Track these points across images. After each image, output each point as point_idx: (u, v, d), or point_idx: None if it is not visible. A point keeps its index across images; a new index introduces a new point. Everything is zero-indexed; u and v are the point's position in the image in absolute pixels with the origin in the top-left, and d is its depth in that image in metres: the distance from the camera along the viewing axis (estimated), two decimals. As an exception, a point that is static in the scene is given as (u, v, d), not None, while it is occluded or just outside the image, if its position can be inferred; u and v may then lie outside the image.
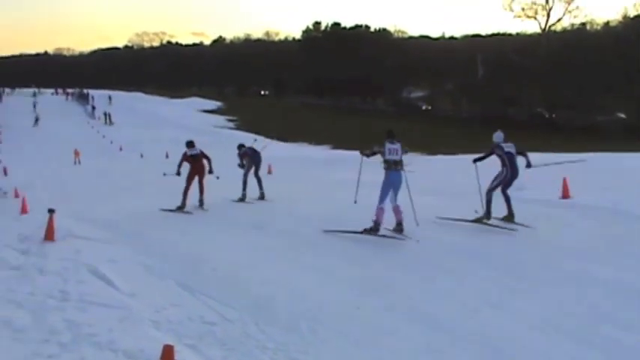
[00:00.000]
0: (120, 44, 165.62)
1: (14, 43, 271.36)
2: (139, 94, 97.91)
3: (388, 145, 12.89)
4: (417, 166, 25.63)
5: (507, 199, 13.55)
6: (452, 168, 28.30)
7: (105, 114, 73.16)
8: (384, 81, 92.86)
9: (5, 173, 38.67)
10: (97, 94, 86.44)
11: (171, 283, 9.34)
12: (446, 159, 36.51)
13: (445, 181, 22.94)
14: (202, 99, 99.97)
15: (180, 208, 17.51)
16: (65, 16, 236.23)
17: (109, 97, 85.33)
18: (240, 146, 20.26)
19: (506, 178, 13.50)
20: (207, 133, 65.49)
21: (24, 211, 18.80)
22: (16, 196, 25.48)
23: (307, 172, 29.30)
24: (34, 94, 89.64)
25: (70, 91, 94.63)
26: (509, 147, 13.68)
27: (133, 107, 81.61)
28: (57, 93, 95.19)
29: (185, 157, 18.74)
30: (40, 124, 66.46)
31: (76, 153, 47.86)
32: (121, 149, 53.24)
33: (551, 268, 9.93)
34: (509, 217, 13.38)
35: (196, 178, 18.05)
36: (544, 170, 18.82)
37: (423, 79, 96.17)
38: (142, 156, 45.32)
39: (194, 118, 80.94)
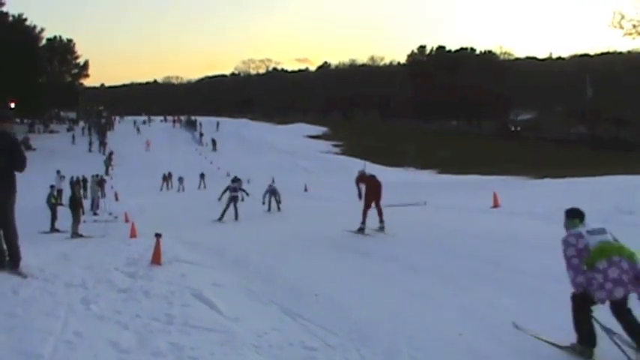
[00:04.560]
0: (227, 71, 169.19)
1: (125, 72, 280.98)
2: (246, 121, 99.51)
3: None
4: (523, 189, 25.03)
5: None
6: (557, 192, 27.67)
7: (212, 140, 74.64)
8: (490, 104, 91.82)
9: (117, 198, 39.82)
10: (205, 121, 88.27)
11: (274, 308, 9.36)
12: (553, 182, 35.65)
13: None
14: (307, 125, 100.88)
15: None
16: (173, 45, 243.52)
17: (217, 124, 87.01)
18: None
19: None
20: (314, 159, 66.07)
21: (133, 235, 19.28)
22: (126, 220, 26.21)
23: (412, 197, 29.02)
24: (144, 122, 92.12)
25: (177, 118, 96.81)
26: None
27: (239, 134, 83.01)
28: (166, 120, 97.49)
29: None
30: (151, 150, 68.32)
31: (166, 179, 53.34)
32: (228, 175, 54.12)
33: None
34: None
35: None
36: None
37: (531, 100, 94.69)
38: (248, 182, 45.93)
39: (300, 143, 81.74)
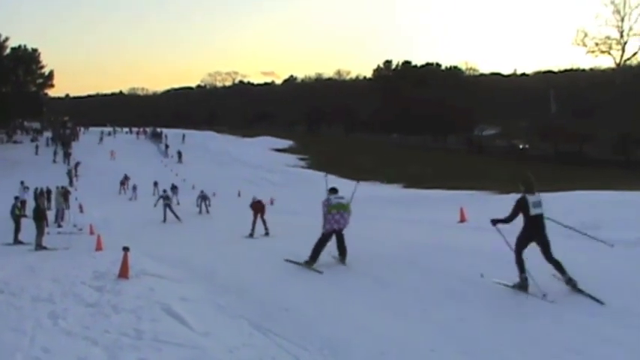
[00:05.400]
0: (193, 84, 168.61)
1: (90, 83, 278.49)
2: (212, 133, 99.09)
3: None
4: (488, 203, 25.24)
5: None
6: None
7: (177, 152, 74.28)
8: (455, 119, 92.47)
9: (81, 210, 39.37)
10: (171, 133, 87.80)
11: (244, 322, 9.28)
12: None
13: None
14: (273, 138, 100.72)
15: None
16: (139, 56, 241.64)
17: (183, 136, 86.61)
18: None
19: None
20: (279, 172, 65.96)
21: (99, 247, 19.09)
22: (91, 232, 25.93)
23: (380, 211, 29.09)
24: (109, 134, 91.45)
25: (142, 130, 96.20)
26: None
27: (205, 146, 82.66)
28: (131, 132, 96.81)
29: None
30: (117, 163, 67.73)
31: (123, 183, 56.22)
32: (193, 187, 53.83)
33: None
34: None
35: None
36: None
37: (495, 116, 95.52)
38: (214, 194, 45.70)
39: (266, 156, 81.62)
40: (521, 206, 10.67)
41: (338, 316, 9.59)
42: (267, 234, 22.96)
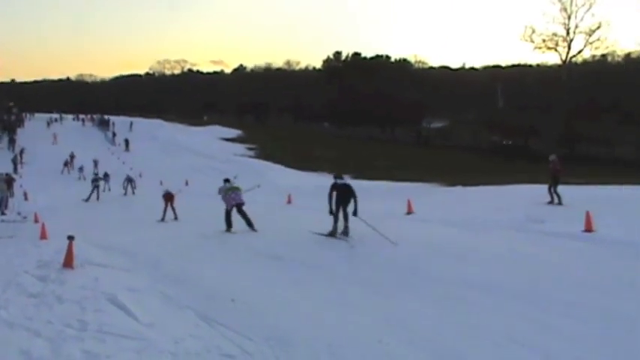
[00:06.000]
0: (141, 71, 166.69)
1: (36, 68, 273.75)
2: (160, 121, 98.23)
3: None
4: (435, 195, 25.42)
5: None
6: (467, 199, 28.15)
7: (125, 140, 73.46)
8: (403, 111, 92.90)
9: (26, 198, 38.81)
10: (118, 121, 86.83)
11: (190, 313, 9.21)
12: (465, 190, 36.21)
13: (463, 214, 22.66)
14: (222, 127, 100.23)
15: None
16: (87, 42, 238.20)
17: (131, 124, 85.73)
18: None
19: None
20: (228, 162, 65.66)
21: (43, 236, 18.80)
22: (36, 221, 25.53)
23: (326, 202, 29.17)
24: (55, 120, 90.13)
25: (89, 117, 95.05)
26: None
27: (153, 134, 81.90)
28: (78, 119, 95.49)
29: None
30: (60, 148, 66.71)
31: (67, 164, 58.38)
32: (140, 176, 53.33)
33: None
34: None
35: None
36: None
37: (443, 109, 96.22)
38: (161, 183, 45.34)
39: (214, 146, 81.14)
40: None
41: (285, 307, 9.57)
42: (175, 219, 26.19)
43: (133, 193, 41.90)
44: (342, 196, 17.22)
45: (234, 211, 19.23)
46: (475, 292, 10.21)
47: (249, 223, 18.80)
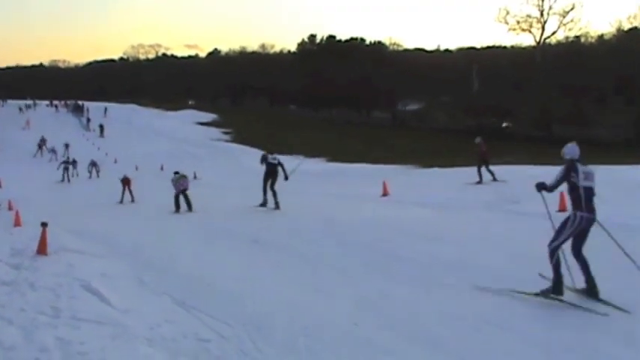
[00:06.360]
0: (115, 56, 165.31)
1: (9, 54, 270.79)
2: (134, 107, 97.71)
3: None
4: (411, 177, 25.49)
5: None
6: (444, 181, 28.22)
7: (100, 126, 72.97)
8: (379, 93, 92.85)
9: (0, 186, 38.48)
10: (93, 106, 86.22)
11: (166, 298, 9.17)
12: (441, 172, 36.29)
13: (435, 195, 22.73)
14: (197, 111, 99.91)
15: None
16: (60, 27, 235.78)
17: (105, 109, 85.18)
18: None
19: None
20: (203, 146, 65.49)
21: (17, 224, 18.62)
22: (10, 208, 25.27)
23: (302, 185, 29.14)
24: (28, 107, 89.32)
25: (64, 102, 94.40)
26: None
27: (128, 119, 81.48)
28: (52, 105, 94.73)
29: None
30: (33, 133, 66.22)
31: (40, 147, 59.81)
32: (115, 162, 53.07)
33: None
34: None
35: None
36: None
37: (419, 91, 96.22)
38: (137, 168, 45.16)
39: (190, 130, 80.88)
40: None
41: (262, 292, 9.54)
42: (132, 201, 28.20)
43: (98, 176, 44.51)
44: (272, 173, 20.35)
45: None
46: (449, 273, 10.25)
47: (189, 205, 22.39)
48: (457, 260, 11.07)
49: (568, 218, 8.89)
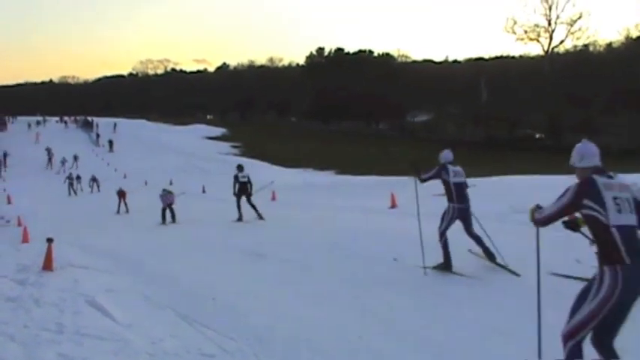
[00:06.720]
0: (124, 72, 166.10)
1: (19, 71, 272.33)
2: (143, 122, 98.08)
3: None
4: (420, 190, 25.50)
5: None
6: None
7: (109, 141, 73.22)
8: (387, 105, 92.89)
9: (9, 201, 38.64)
10: (102, 122, 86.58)
11: (170, 313, 9.13)
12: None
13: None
14: (206, 125, 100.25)
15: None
16: (70, 44, 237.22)
17: (114, 125, 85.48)
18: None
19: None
20: (212, 160, 65.58)
21: (25, 240, 18.72)
22: (19, 224, 25.39)
23: (310, 198, 29.13)
24: (38, 123, 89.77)
25: (73, 118, 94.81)
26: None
27: (137, 135, 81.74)
28: (62, 121, 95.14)
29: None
30: (43, 147, 66.55)
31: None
32: (125, 177, 53.22)
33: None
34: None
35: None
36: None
37: (427, 103, 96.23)
38: (146, 183, 45.32)
39: (199, 145, 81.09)
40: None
41: (266, 305, 9.49)
42: (127, 212, 31.53)
43: (99, 190, 47.24)
44: (244, 190, 21.91)
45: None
46: (453, 284, 10.20)
47: (173, 217, 24.64)
48: (460, 270, 10.99)
49: (446, 209, 11.37)
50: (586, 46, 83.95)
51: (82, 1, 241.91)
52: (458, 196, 11.35)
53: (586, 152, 5.79)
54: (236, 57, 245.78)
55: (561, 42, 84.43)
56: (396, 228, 16.64)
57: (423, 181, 11.83)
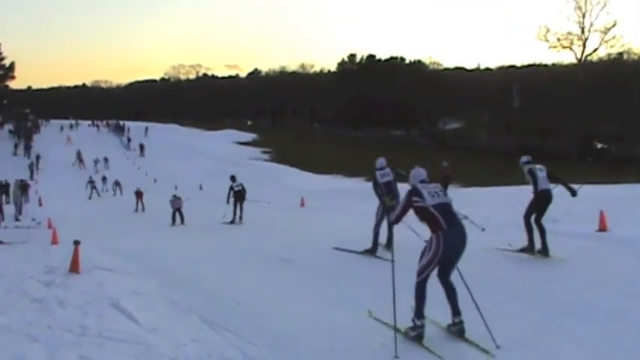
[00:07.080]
0: (157, 76, 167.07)
1: (52, 75, 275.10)
2: (175, 126, 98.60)
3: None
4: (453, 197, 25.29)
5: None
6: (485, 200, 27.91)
7: (140, 145, 73.62)
8: (419, 112, 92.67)
9: (40, 204, 38.97)
10: (134, 126, 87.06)
11: (194, 317, 9.08)
12: (481, 191, 35.94)
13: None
14: (237, 131, 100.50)
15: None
16: (102, 48, 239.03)
17: (146, 129, 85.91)
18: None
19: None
20: (242, 165, 65.67)
21: (54, 242, 18.79)
22: (49, 226, 25.57)
23: (341, 204, 29.04)
24: (71, 126, 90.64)
25: (105, 122, 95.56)
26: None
27: (168, 139, 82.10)
28: (94, 124, 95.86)
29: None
30: (75, 148, 67.15)
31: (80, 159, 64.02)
32: (155, 181, 53.48)
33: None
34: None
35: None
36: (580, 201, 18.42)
37: (459, 110, 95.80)
38: (176, 188, 45.47)
39: (229, 150, 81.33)
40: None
41: (290, 311, 9.43)
42: (143, 210, 35.20)
43: (121, 193, 48.49)
44: (240, 197, 24.51)
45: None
46: (478, 292, 10.04)
47: (182, 219, 27.12)
48: (485, 278, 10.82)
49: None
50: (620, 54, 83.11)
51: (116, 7, 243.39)
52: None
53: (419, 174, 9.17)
54: (268, 63, 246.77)
55: (595, 50, 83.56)
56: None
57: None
